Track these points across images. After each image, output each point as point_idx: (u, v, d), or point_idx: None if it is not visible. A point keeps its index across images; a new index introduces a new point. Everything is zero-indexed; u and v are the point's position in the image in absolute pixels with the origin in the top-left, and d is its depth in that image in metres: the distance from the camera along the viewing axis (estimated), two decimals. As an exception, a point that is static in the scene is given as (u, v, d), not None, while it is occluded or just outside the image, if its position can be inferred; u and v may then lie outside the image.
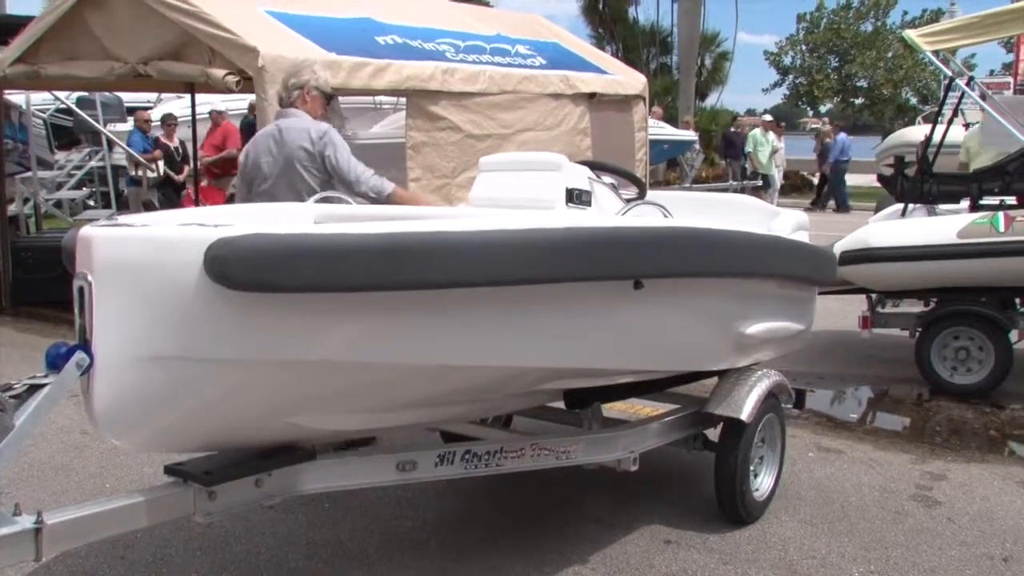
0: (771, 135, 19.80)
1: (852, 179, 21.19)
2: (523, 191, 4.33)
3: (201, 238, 2.61)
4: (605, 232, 3.39)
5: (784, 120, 24.21)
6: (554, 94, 9.11)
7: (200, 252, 2.59)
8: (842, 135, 21.00)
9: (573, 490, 4.80)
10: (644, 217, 4.34)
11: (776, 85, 44.14)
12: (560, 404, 4.33)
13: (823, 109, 43.88)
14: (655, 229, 3.67)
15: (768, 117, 21.32)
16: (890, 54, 38.64)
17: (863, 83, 40.43)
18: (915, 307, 7.51)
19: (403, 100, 8.12)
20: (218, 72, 7.13)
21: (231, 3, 7.47)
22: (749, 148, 19.85)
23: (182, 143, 13.43)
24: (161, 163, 13.18)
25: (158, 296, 2.67)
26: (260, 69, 6.81)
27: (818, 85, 40.65)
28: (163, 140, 13.32)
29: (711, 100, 33.77)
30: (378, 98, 9.14)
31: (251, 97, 9.13)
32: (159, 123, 13.59)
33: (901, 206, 7.63)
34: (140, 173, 13.31)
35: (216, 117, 13.78)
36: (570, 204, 4.23)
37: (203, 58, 7.31)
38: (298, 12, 7.82)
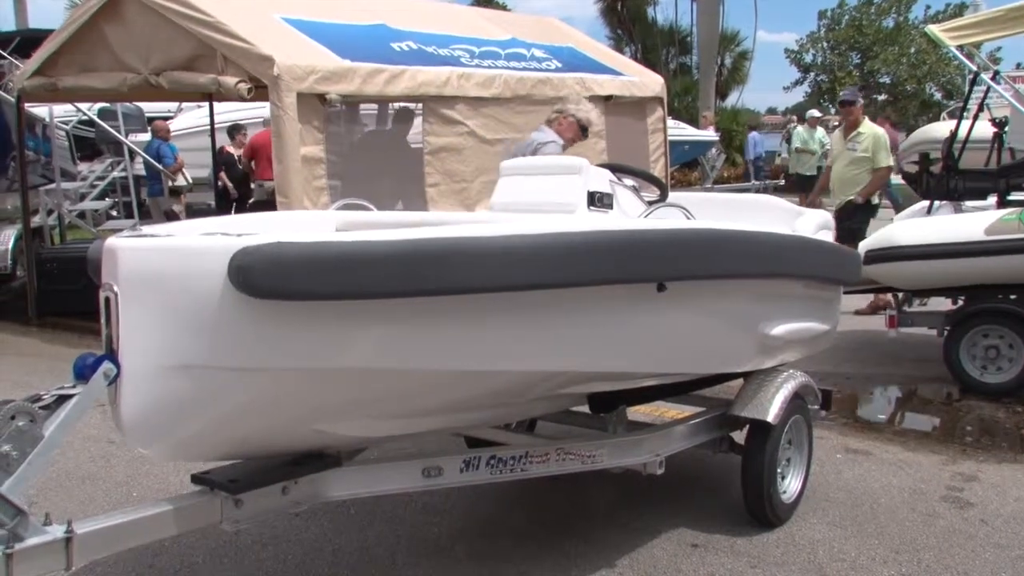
0: (820, 132, 17.92)
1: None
2: (544, 195, 4.35)
3: (225, 247, 2.65)
4: (627, 235, 3.40)
5: (804, 119, 23.55)
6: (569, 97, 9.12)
7: (224, 261, 2.62)
8: (754, 133, 20.32)
9: (599, 495, 4.80)
10: (666, 219, 4.34)
11: (797, 83, 43.99)
12: (585, 408, 4.33)
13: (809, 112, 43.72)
14: (678, 231, 3.68)
15: (815, 112, 19.55)
16: (913, 49, 38.39)
17: (886, 79, 40.20)
18: (942, 305, 7.47)
19: (420, 106, 8.16)
20: (230, 80, 7.20)
21: (247, 12, 7.54)
22: (797, 144, 18.23)
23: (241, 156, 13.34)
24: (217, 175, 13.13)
25: (183, 305, 2.70)
26: (276, 77, 6.87)
27: (840, 82, 40.43)
28: (228, 150, 13.28)
29: (731, 99, 33.71)
30: (395, 104, 9.19)
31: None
32: (228, 133, 13.46)
33: (926, 203, 7.59)
34: (179, 182, 13.32)
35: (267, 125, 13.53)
36: (592, 207, 4.24)
37: (215, 67, 7.37)
38: (313, 19, 7.88)
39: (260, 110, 12.83)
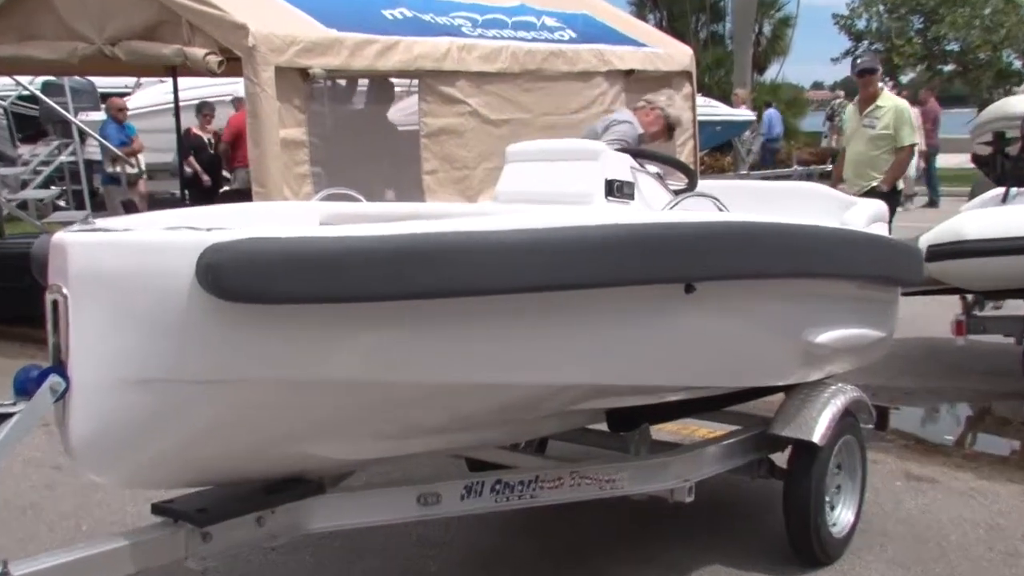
0: None
1: (943, 159, 20.95)
2: (557, 184, 4.37)
3: (192, 243, 2.66)
4: (651, 229, 3.42)
5: (854, 94, 23.38)
6: (585, 72, 9.14)
7: (191, 259, 2.63)
8: (771, 111, 20.17)
9: (619, 525, 4.82)
10: (695, 211, 4.36)
11: (848, 54, 43.73)
12: (603, 426, 4.35)
13: (904, 79, 43.60)
14: (708, 224, 3.69)
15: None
16: (988, 10, 38.15)
17: (954, 46, 40.00)
18: (1020, 309, 7.46)
19: (415, 82, 8.18)
20: (198, 52, 7.19)
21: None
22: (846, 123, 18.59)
23: (218, 134, 13.38)
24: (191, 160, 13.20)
25: (143, 310, 2.72)
26: (250, 49, 6.89)
27: (898, 52, 40.20)
28: (195, 132, 13.32)
29: (770, 73, 33.69)
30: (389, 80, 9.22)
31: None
32: (196, 112, 13.51)
33: (1001, 190, 7.58)
34: (118, 169, 13.41)
35: (240, 105, 13.48)
36: (610, 198, 4.25)
37: (180, 37, 7.36)
38: (295, -18, 7.90)
39: (232, 86, 12.90)
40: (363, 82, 9.11)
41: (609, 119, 6.28)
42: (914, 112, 19.34)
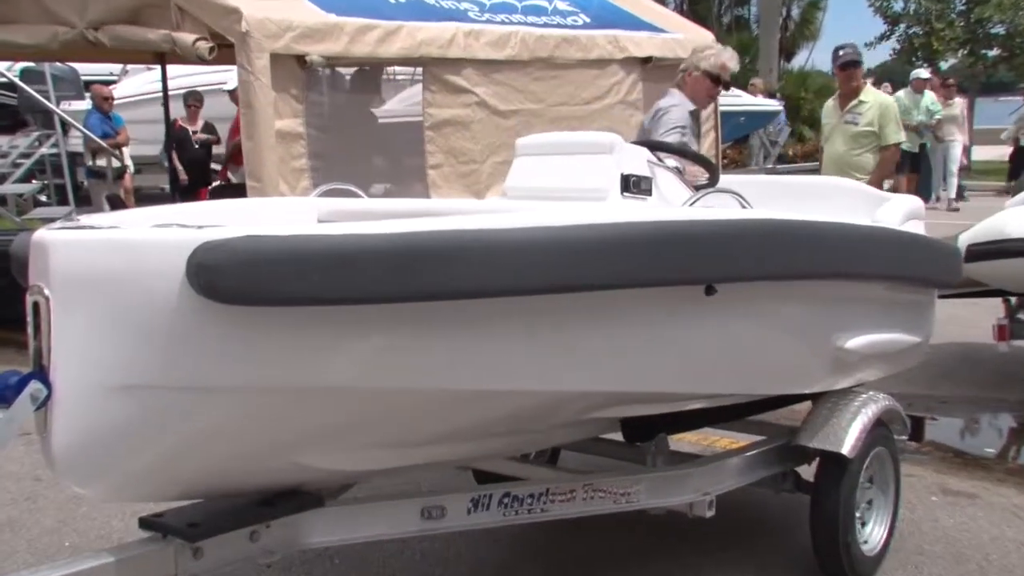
0: (928, 98, 18.07)
1: (980, 152, 20.90)
2: (569, 179, 4.38)
3: (183, 242, 2.67)
4: (669, 227, 3.43)
5: (890, 81, 23.15)
6: (599, 59, 9.14)
7: (182, 259, 2.64)
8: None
9: (635, 541, 4.84)
10: (717, 208, 4.37)
11: (883, 38, 43.65)
12: (617, 436, 4.37)
13: (944, 65, 43.41)
14: (730, 222, 3.71)
15: (923, 73, 19.49)
16: (1038, -9, 38.00)
17: (999, 30, 39.81)
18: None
19: (419, 70, 8.20)
20: (187, 37, 7.19)
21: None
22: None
23: (210, 125, 13.34)
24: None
25: (130, 313, 2.73)
26: (244, 34, 6.89)
27: (938, 36, 40.04)
28: (181, 123, 13.32)
29: (799, 60, 33.64)
30: (392, 68, 9.19)
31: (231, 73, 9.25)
32: (184, 102, 13.50)
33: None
34: (101, 163, 13.41)
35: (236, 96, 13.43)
36: (626, 194, 4.27)
37: (168, 21, 7.38)
38: (290, -37, 7.92)
39: (225, 75, 12.92)
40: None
41: (655, 108, 6.14)
42: (961, 102, 19.28)
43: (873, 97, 8.45)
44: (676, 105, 6.01)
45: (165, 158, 13.41)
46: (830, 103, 8.93)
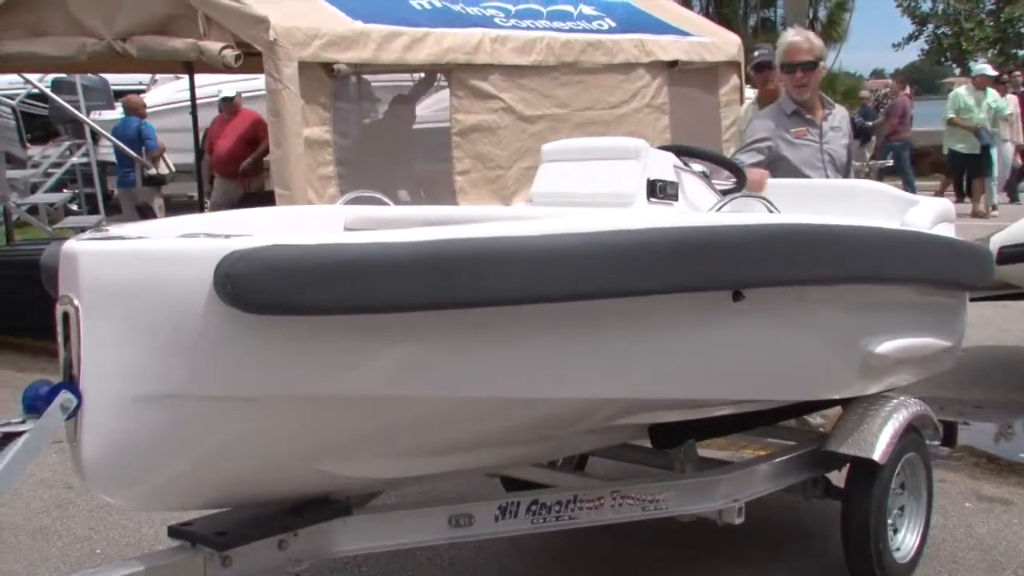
0: (991, 96, 17.59)
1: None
2: (595, 184, 4.37)
3: (210, 251, 2.68)
4: (696, 232, 3.42)
5: (917, 82, 22.70)
6: (625, 63, 9.15)
7: (209, 268, 2.65)
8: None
9: (664, 549, 4.82)
10: (744, 213, 4.36)
11: (911, 38, 43.52)
12: (646, 442, 4.35)
13: (974, 66, 43.11)
14: (758, 227, 3.68)
15: (988, 70, 18.81)
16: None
17: (1030, 30, 39.55)
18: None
19: (444, 77, 8.22)
20: (214, 46, 7.26)
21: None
22: (951, 113, 17.65)
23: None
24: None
25: (159, 323, 2.75)
26: (272, 43, 6.94)
27: (967, 36, 39.81)
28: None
29: (827, 62, 33.46)
30: (417, 75, 9.25)
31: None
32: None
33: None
34: (157, 171, 13.36)
35: (238, 101, 13.08)
36: (653, 199, 4.25)
37: (195, 31, 7.43)
38: (317, -28, 7.95)
39: (253, 83, 12.92)
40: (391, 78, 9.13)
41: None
42: (1013, 100, 18.90)
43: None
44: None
45: (195, 165, 13.45)
46: (748, 104, 8.75)
